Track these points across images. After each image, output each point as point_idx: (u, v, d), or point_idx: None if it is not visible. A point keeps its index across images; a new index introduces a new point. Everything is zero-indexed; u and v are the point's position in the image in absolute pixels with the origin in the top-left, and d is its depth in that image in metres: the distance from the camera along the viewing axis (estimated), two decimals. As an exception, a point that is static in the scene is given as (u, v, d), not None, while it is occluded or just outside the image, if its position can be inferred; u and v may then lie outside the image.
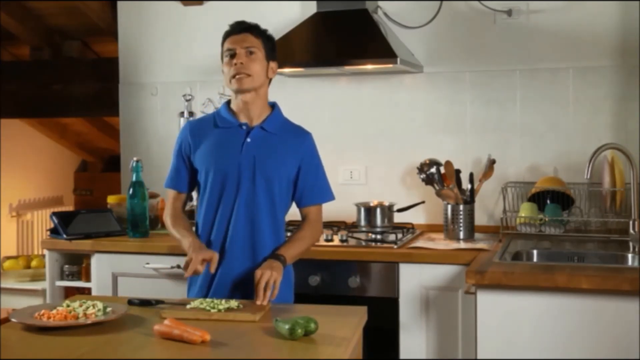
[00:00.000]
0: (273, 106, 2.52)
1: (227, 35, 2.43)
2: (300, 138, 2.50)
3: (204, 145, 2.46)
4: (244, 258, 2.40)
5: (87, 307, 1.99)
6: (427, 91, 3.46)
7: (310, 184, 2.49)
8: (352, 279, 2.90)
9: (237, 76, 2.37)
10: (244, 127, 2.44)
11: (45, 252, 3.33)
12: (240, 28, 2.42)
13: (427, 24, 3.41)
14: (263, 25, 2.50)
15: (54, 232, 3.32)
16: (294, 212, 2.56)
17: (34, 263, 3.65)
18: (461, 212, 3.11)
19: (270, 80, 2.49)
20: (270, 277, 2.21)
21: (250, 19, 2.54)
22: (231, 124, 2.44)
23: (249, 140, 2.42)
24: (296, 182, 2.48)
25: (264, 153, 2.42)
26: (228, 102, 2.50)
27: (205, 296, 2.40)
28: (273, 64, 2.46)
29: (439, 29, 3.41)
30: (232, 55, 2.38)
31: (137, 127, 3.90)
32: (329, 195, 2.55)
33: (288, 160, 2.44)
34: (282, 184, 2.44)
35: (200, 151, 2.45)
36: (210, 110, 3.56)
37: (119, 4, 3.93)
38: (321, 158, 2.55)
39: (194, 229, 2.52)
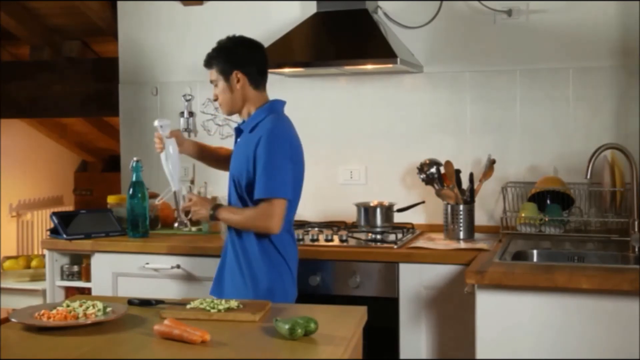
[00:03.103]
0: (266, 106, 2.62)
1: None
2: (256, 134, 2.53)
3: None
4: (224, 257, 2.66)
5: (87, 307, 1.98)
6: (427, 91, 3.46)
7: (255, 181, 2.51)
8: (352, 279, 2.90)
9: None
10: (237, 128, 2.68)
11: (45, 252, 3.33)
12: (204, 64, 2.68)
13: (427, 24, 3.41)
14: (263, 25, 2.52)
15: (54, 232, 3.32)
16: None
17: (34, 263, 3.65)
18: (461, 212, 3.11)
19: (250, 84, 2.60)
20: (191, 204, 2.60)
21: (250, 19, 2.55)
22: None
23: (238, 140, 2.65)
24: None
25: (235, 154, 2.62)
26: None
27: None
28: (236, 74, 2.59)
29: (439, 29, 3.41)
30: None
31: (137, 127, 3.90)
32: (260, 192, 2.49)
33: (246, 157, 2.53)
34: (247, 182, 2.53)
35: None
36: (210, 110, 3.56)
37: (119, 4, 3.93)
38: (275, 154, 2.49)
39: None
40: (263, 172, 2.45)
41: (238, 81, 2.58)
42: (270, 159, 2.45)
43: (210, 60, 2.65)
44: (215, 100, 2.68)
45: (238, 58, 2.60)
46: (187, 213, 2.65)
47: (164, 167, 2.72)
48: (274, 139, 2.47)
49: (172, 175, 2.70)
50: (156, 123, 2.72)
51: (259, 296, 2.47)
